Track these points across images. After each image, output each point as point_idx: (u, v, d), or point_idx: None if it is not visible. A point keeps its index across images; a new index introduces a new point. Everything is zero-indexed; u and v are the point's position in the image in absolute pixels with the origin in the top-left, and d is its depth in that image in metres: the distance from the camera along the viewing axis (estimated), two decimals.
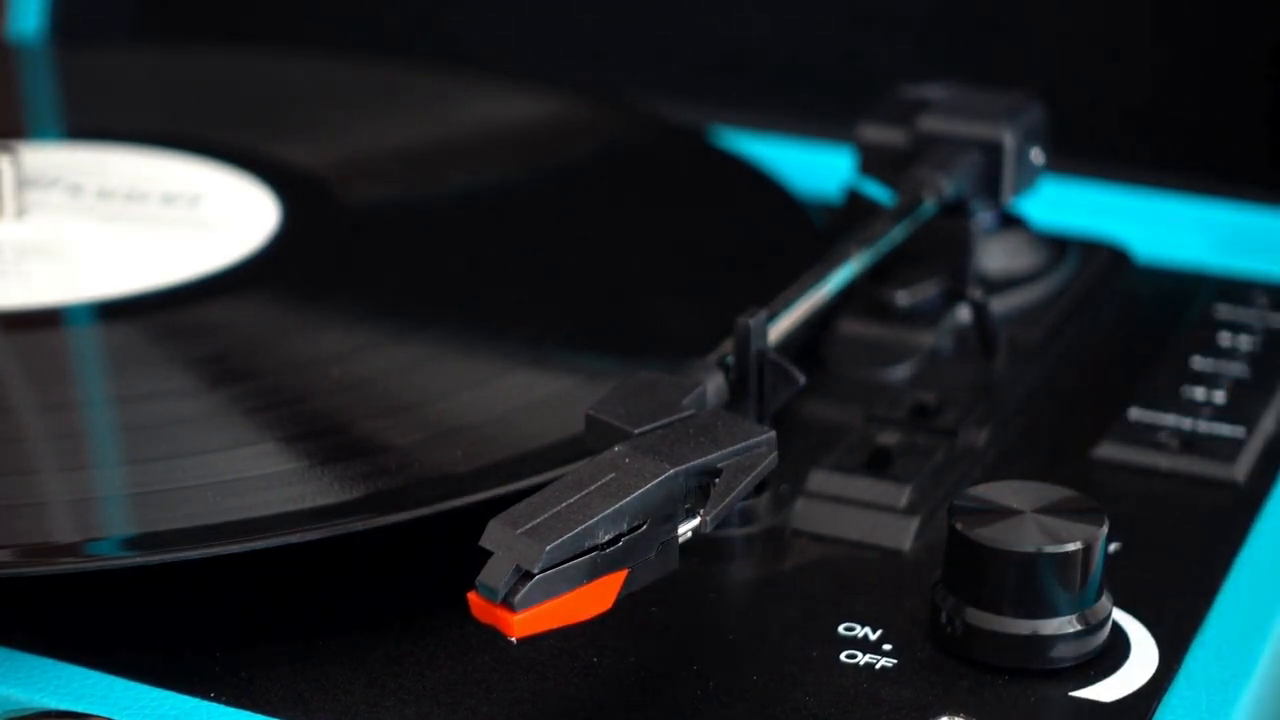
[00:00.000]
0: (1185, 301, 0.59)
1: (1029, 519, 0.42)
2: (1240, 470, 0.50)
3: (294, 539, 0.42)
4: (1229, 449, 0.50)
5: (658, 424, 0.42)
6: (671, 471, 0.41)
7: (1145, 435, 0.51)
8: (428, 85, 0.69)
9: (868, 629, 0.43)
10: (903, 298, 0.54)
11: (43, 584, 0.44)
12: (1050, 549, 0.41)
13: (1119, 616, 0.44)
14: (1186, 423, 0.51)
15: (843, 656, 0.42)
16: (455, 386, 0.49)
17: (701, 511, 0.41)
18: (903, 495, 0.47)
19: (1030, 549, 0.41)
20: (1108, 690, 0.42)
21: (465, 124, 0.67)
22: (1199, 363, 0.54)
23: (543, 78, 0.70)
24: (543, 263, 0.57)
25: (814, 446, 0.49)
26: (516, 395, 0.49)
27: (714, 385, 0.45)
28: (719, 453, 0.42)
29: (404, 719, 0.40)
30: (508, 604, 0.38)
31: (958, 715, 0.41)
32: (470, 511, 0.43)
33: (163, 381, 0.49)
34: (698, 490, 0.41)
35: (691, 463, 0.41)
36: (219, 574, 0.44)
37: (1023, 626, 0.42)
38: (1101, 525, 0.42)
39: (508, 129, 0.67)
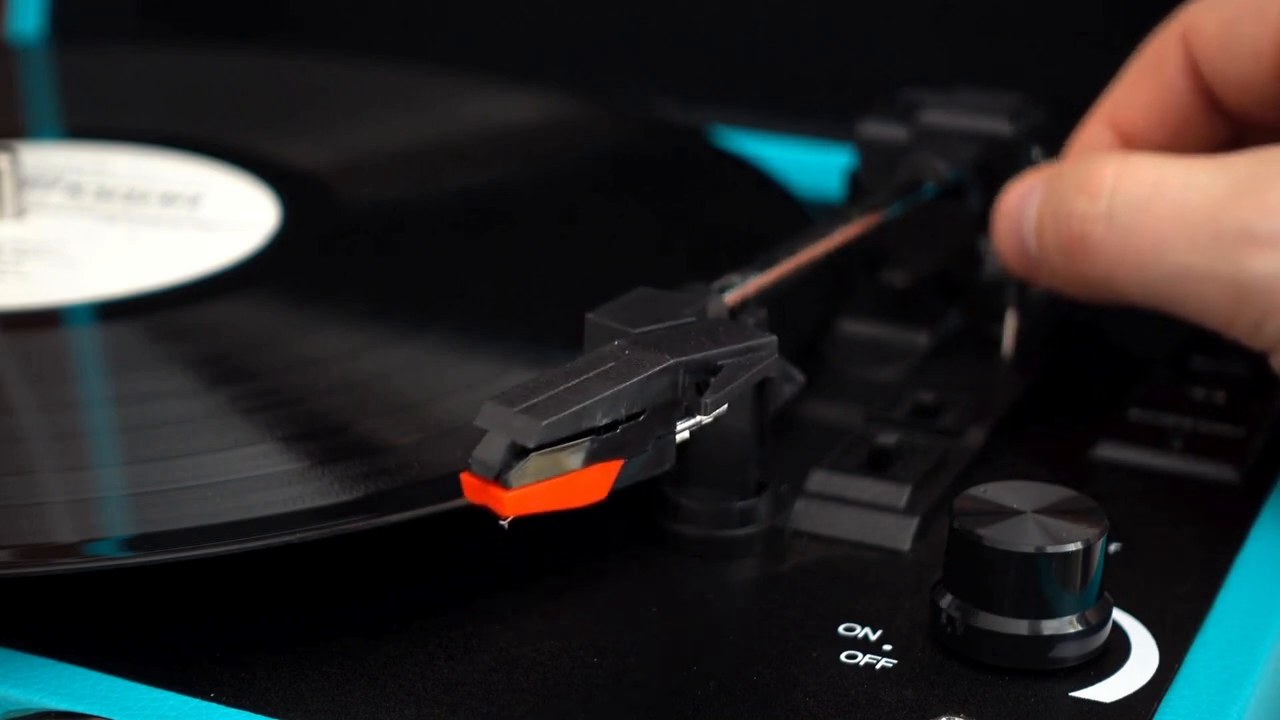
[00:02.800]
0: None
1: (1029, 519, 0.42)
2: (1240, 470, 0.50)
3: (294, 539, 0.42)
4: (1229, 449, 0.50)
5: (659, 326, 0.42)
6: (671, 362, 0.40)
7: (1145, 435, 0.51)
8: (428, 85, 0.69)
9: (868, 629, 0.43)
10: (899, 279, 0.55)
11: (43, 584, 0.44)
12: (1050, 549, 0.41)
13: (1119, 616, 0.44)
14: (1187, 423, 0.51)
15: (843, 656, 0.42)
16: (455, 386, 0.49)
17: (704, 400, 0.41)
18: (903, 495, 0.47)
19: (1030, 549, 0.41)
20: (1108, 690, 0.42)
21: (465, 124, 0.67)
22: (1199, 363, 0.54)
23: (543, 78, 0.70)
24: (542, 263, 0.57)
25: (814, 446, 0.49)
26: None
27: (714, 306, 0.45)
28: (719, 349, 0.41)
29: (404, 719, 0.40)
30: (501, 481, 0.38)
31: (958, 715, 0.41)
32: (470, 512, 0.43)
33: (163, 381, 0.49)
34: (695, 390, 0.41)
35: (692, 355, 0.41)
36: (219, 574, 0.44)
37: (1023, 626, 0.42)
38: (1101, 525, 0.42)
39: (508, 129, 0.67)
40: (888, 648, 0.43)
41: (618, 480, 0.40)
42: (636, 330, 0.42)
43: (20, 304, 0.53)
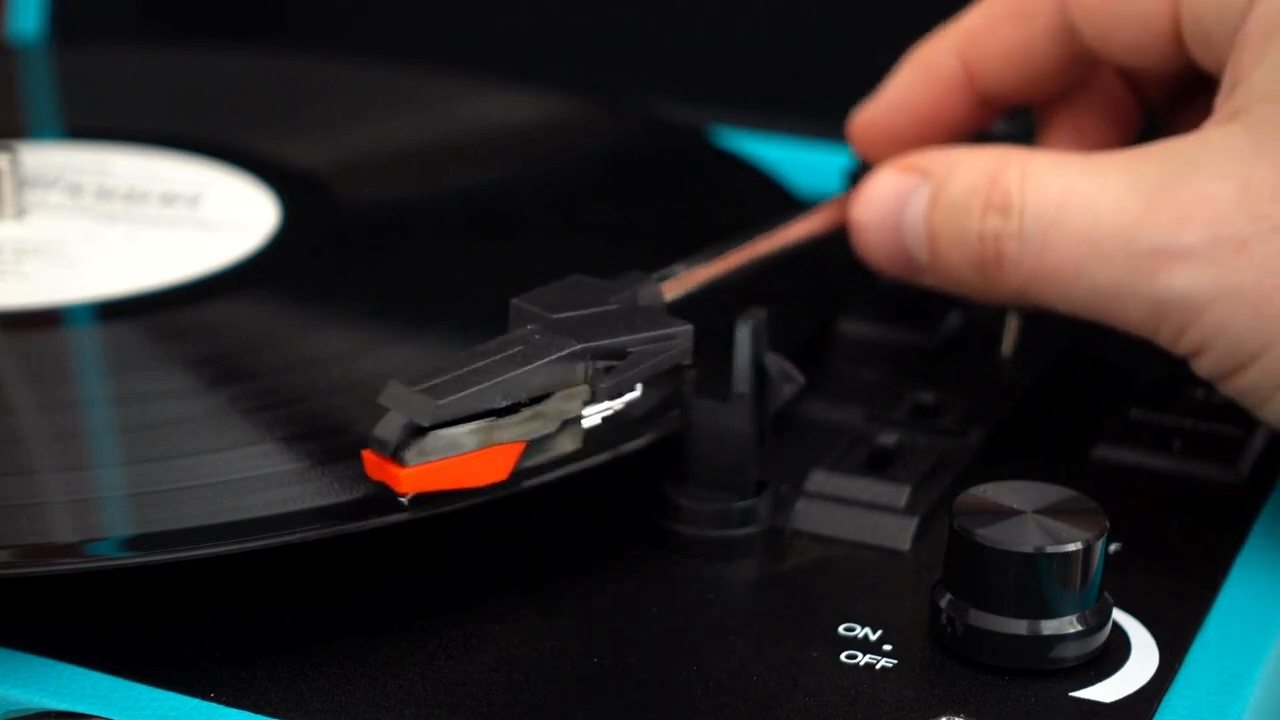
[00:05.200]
0: None
1: (1029, 519, 0.42)
2: (1240, 470, 0.50)
3: (294, 539, 0.42)
4: (1229, 449, 0.50)
5: (579, 312, 0.42)
6: (577, 347, 0.41)
7: (1145, 435, 0.51)
8: (428, 85, 0.69)
9: (868, 629, 0.43)
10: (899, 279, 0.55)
11: (43, 584, 0.44)
12: (1050, 549, 0.41)
13: (1119, 616, 0.44)
14: (1187, 423, 0.51)
15: (843, 656, 0.42)
16: None
17: (599, 386, 0.41)
18: (903, 495, 0.47)
19: (1030, 549, 0.41)
20: (1108, 690, 0.42)
21: (465, 124, 0.67)
22: None
23: (543, 78, 0.70)
24: (542, 263, 0.57)
25: (814, 446, 0.49)
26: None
27: (646, 295, 0.45)
28: (631, 337, 0.42)
29: (403, 719, 0.40)
30: (397, 458, 0.39)
31: (958, 715, 0.41)
32: (470, 512, 0.43)
33: (162, 381, 0.49)
34: (607, 374, 0.41)
35: (599, 342, 0.41)
36: (219, 574, 0.44)
37: (1023, 626, 0.42)
38: (1101, 525, 0.42)
39: (507, 129, 0.67)
40: (888, 648, 0.43)
41: (520, 462, 0.40)
42: (555, 316, 0.42)
43: (20, 304, 0.53)
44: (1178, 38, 0.48)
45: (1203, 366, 0.46)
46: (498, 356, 0.41)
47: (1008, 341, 0.54)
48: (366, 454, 0.39)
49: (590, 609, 0.44)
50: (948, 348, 0.54)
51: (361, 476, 0.44)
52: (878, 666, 0.42)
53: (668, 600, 0.44)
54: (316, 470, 0.45)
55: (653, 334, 0.42)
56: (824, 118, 0.68)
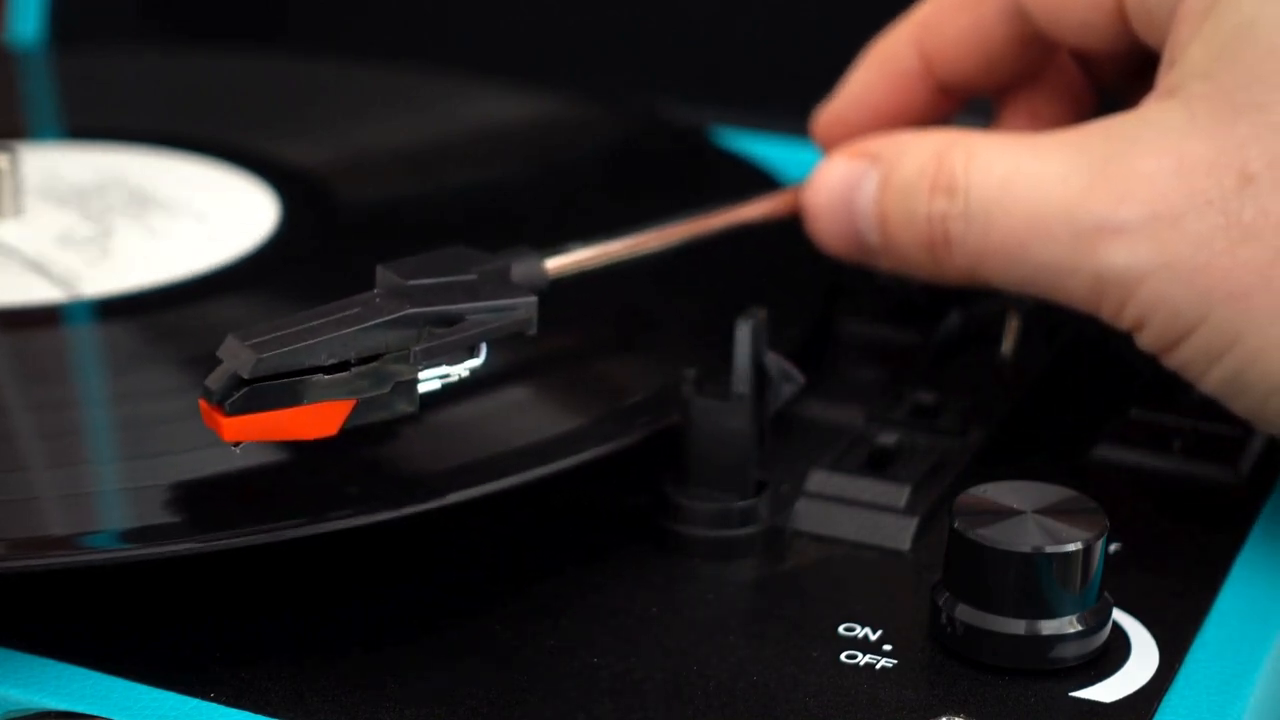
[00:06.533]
0: None
1: (1029, 519, 0.42)
2: (1240, 471, 0.50)
3: (291, 534, 0.42)
4: (1229, 449, 0.50)
5: (436, 280, 0.43)
6: (410, 311, 0.42)
7: (1145, 435, 0.51)
8: (428, 86, 0.69)
9: (868, 629, 0.43)
10: (890, 278, 0.55)
11: (43, 583, 0.44)
12: (1050, 549, 0.41)
13: (1119, 616, 0.44)
14: (1187, 423, 0.51)
15: (843, 657, 0.42)
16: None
17: (414, 349, 0.42)
18: (903, 495, 0.47)
19: (1030, 549, 0.41)
20: (1108, 690, 0.42)
21: (465, 124, 0.67)
22: None
23: (543, 78, 0.70)
24: None
25: (814, 446, 0.49)
26: (516, 392, 0.49)
27: (523, 268, 0.46)
28: (469, 305, 0.43)
29: (403, 719, 0.40)
30: (221, 408, 0.40)
31: (958, 715, 0.41)
32: (470, 510, 0.43)
33: (162, 381, 0.49)
34: (430, 339, 0.43)
35: (434, 307, 0.42)
36: (219, 573, 0.44)
37: (1023, 626, 0.42)
38: (1101, 525, 0.42)
39: (507, 129, 0.67)
40: (888, 648, 0.43)
41: (349, 419, 0.42)
42: (411, 282, 0.43)
43: (20, 303, 0.53)
44: (1123, 16, 0.49)
45: (1144, 340, 0.46)
46: (333, 316, 0.42)
47: (1008, 341, 0.54)
48: (201, 402, 0.41)
49: (590, 609, 0.44)
50: (948, 348, 0.54)
51: (361, 475, 0.44)
52: (878, 666, 0.42)
53: (668, 600, 0.44)
54: (316, 469, 0.45)
55: (491, 303, 0.43)
56: None
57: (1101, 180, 0.45)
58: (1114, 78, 0.53)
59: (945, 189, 0.47)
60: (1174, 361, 0.46)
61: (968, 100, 0.55)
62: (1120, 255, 0.45)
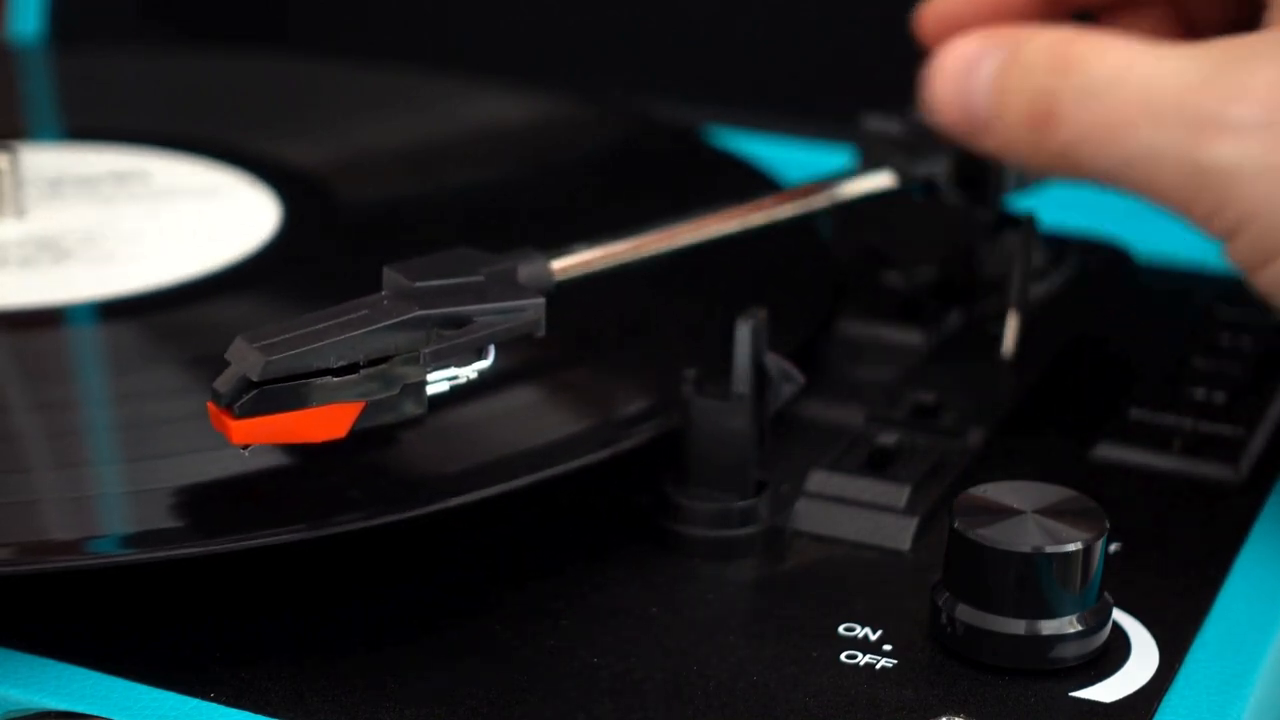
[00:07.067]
0: (1185, 301, 0.59)
1: (1029, 519, 0.42)
2: (1240, 470, 0.50)
3: (292, 537, 0.42)
4: (1229, 449, 0.50)
5: (443, 282, 0.43)
6: (419, 314, 0.42)
7: (1145, 435, 0.51)
8: (427, 86, 0.69)
9: (868, 629, 0.43)
10: (899, 279, 0.55)
11: (43, 583, 0.44)
12: (1050, 549, 0.41)
13: (1119, 616, 0.44)
14: (1187, 423, 0.51)
15: (843, 657, 0.42)
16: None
17: (424, 351, 0.42)
18: (903, 495, 0.47)
19: (1030, 549, 0.41)
20: (1108, 690, 0.42)
21: (465, 124, 0.67)
22: (1199, 363, 0.54)
23: (543, 78, 0.70)
24: None
25: (814, 446, 0.49)
26: (516, 393, 0.49)
27: (530, 269, 0.45)
28: (477, 307, 0.42)
29: (404, 719, 0.40)
30: (229, 410, 0.40)
31: (958, 715, 0.41)
32: (471, 511, 0.43)
33: (163, 381, 0.49)
34: (439, 341, 0.43)
35: (442, 309, 0.42)
36: (219, 574, 0.44)
37: (1023, 626, 0.42)
38: (1101, 525, 0.42)
39: (507, 130, 0.67)
40: (888, 648, 0.43)
41: (358, 421, 0.42)
42: (418, 284, 0.43)
43: (20, 303, 0.53)
44: None
45: (1235, 251, 0.46)
46: (342, 319, 0.42)
47: (1008, 341, 0.54)
48: (209, 405, 0.41)
49: (590, 609, 0.44)
50: (948, 348, 0.54)
51: (361, 476, 0.44)
52: (878, 666, 0.42)
53: (668, 600, 0.44)
54: (316, 470, 0.45)
55: (499, 305, 0.43)
56: (822, 118, 0.69)
57: (1218, 78, 0.45)
58: (1213, 18, 0.54)
59: (1063, 69, 0.47)
60: (1263, 280, 0.46)
61: (1072, 13, 0.55)
62: (1227, 151, 0.45)
